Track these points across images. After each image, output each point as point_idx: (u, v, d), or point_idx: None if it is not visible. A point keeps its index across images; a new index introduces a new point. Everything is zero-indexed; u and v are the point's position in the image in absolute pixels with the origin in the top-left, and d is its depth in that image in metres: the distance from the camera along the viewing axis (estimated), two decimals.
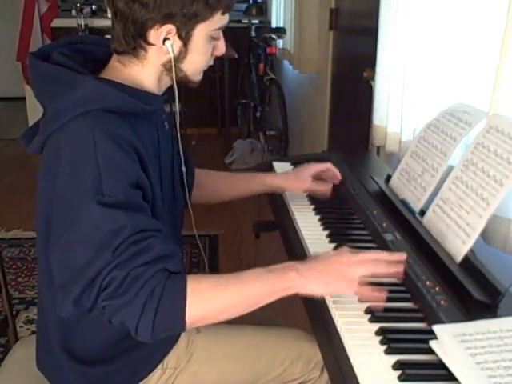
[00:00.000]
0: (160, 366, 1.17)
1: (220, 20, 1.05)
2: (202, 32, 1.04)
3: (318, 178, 1.42)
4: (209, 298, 0.93)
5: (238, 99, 4.58)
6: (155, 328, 0.90)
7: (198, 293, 0.93)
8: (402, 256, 0.97)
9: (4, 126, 4.85)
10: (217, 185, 1.46)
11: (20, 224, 3.10)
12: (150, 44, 1.03)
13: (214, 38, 1.08)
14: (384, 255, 0.97)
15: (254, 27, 4.13)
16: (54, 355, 1.13)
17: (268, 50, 3.80)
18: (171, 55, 1.05)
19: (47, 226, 0.99)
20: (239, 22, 4.26)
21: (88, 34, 4.08)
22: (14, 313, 2.30)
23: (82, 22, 4.09)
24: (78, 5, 4.18)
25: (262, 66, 3.92)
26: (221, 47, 1.11)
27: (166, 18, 1.00)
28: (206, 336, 1.20)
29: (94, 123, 0.96)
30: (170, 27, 1.01)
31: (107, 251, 0.90)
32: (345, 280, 0.93)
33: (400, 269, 0.94)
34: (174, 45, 1.04)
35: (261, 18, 4.51)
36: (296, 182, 1.39)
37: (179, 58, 1.06)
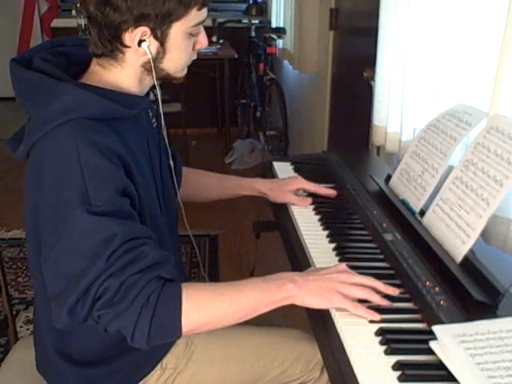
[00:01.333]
0: (159, 366, 1.17)
1: (197, 16, 1.03)
2: (178, 30, 1.03)
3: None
4: (205, 307, 0.93)
5: (238, 99, 4.58)
6: (151, 335, 0.90)
7: (194, 301, 0.92)
8: (395, 291, 0.96)
9: (4, 126, 4.84)
10: (204, 184, 1.47)
11: (20, 224, 3.10)
12: (126, 46, 1.03)
13: (193, 35, 1.06)
14: (379, 285, 0.96)
15: (254, 27, 4.12)
16: (50, 358, 1.13)
17: (268, 49, 3.79)
18: (149, 56, 1.04)
19: (36, 232, 0.99)
20: (239, 21, 4.25)
21: (88, 34, 4.07)
22: (14, 313, 2.30)
23: (82, 21, 4.08)
24: (78, 5, 4.17)
25: (262, 65, 3.91)
26: (202, 41, 1.09)
27: (139, 19, 0.99)
28: (205, 337, 1.20)
29: (77, 132, 0.95)
30: (143, 29, 1.00)
31: (100, 260, 0.89)
32: (341, 295, 0.93)
33: (391, 304, 0.94)
34: (151, 46, 1.03)
35: (261, 18, 4.50)
36: (278, 194, 1.40)
37: (158, 58, 1.05)
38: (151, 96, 1.19)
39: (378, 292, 0.95)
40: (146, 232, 0.97)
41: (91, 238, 0.91)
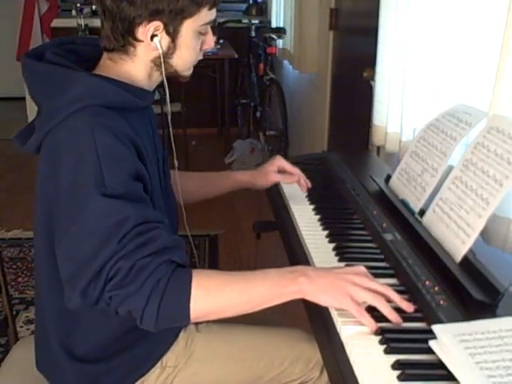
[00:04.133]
0: (159, 364, 1.17)
1: (207, 15, 1.06)
2: (189, 28, 1.05)
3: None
4: (214, 294, 0.94)
5: (238, 99, 4.58)
6: (159, 318, 0.91)
7: (204, 288, 0.93)
8: (410, 308, 0.93)
9: (4, 126, 4.85)
10: (188, 185, 1.44)
11: (20, 224, 3.10)
12: (138, 41, 1.05)
13: (202, 33, 1.08)
14: (394, 296, 0.93)
15: (254, 27, 4.13)
16: (53, 355, 1.13)
17: (268, 50, 3.80)
18: (160, 51, 1.06)
19: (48, 224, 1.00)
20: (239, 21, 4.25)
21: (88, 34, 4.08)
22: (14, 313, 2.30)
23: (82, 21, 4.09)
24: (78, 5, 4.17)
25: (261, 65, 3.92)
26: (209, 41, 1.11)
27: (153, 14, 1.01)
28: (205, 335, 1.20)
29: (91, 118, 0.96)
30: (157, 24, 1.02)
31: (112, 242, 0.91)
32: (349, 297, 0.91)
33: (399, 321, 0.90)
34: (162, 41, 1.05)
35: (261, 18, 4.51)
36: (261, 177, 1.42)
37: (168, 53, 1.07)
38: (156, 95, 1.20)
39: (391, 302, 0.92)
40: (158, 216, 0.98)
41: (104, 220, 0.92)
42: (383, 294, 0.93)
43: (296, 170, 1.42)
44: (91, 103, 0.98)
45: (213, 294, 0.94)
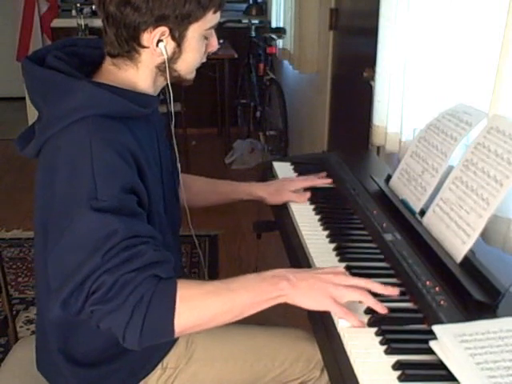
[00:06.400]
0: (160, 365, 1.17)
1: (212, 19, 1.05)
2: (195, 32, 1.04)
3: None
4: (198, 306, 0.93)
5: (238, 99, 4.58)
6: (143, 335, 0.89)
7: (187, 300, 0.92)
8: (394, 291, 0.95)
9: (4, 126, 4.85)
10: (201, 189, 1.46)
11: (20, 224, 3.10)
12: (143, 47, 1.03)
13: (206, 37, 1.08)
14: (376, 287, 0.94)
15: (253, 27, 4.13)
16: (52, 357, 1.13)
17: (268, 50, 3.80)
18: (165, 57, 1.04)
19: (45, 230, 0.99)
20: (239, 21, 4.25)
21: (88, 34, 4.08)
22: (14, 313, 2.30)
23: (82, 21, 4.09)
24: (78, 5, 4.17)
25: (262, 66, 3.92)
26: (213, 44, 1.11)
27: (159, 20, 1.00)
28: (205, 336, 1.20)
29: (91, 130, 0.95)
30: (163, 29, 1.01)
31: (97, 255, 0.89)
32: (331, 299, 0.92)
33: (384, 310, 0.91)
34: (168, 46, 1.04)
35: (261, 18, 4.51)
36: (276, 196, 1.40)
37: (173, 58, 1.06)
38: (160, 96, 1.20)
39: (376, 294, 0.94)
40: (149, 231, 0.97)
41: (93, 234, 0.91)
42: (364, 287, 0.93)
43: (311, 181, 1.44)
44: (93, 113, 0.96)
45: (196, 307, 0.93)
